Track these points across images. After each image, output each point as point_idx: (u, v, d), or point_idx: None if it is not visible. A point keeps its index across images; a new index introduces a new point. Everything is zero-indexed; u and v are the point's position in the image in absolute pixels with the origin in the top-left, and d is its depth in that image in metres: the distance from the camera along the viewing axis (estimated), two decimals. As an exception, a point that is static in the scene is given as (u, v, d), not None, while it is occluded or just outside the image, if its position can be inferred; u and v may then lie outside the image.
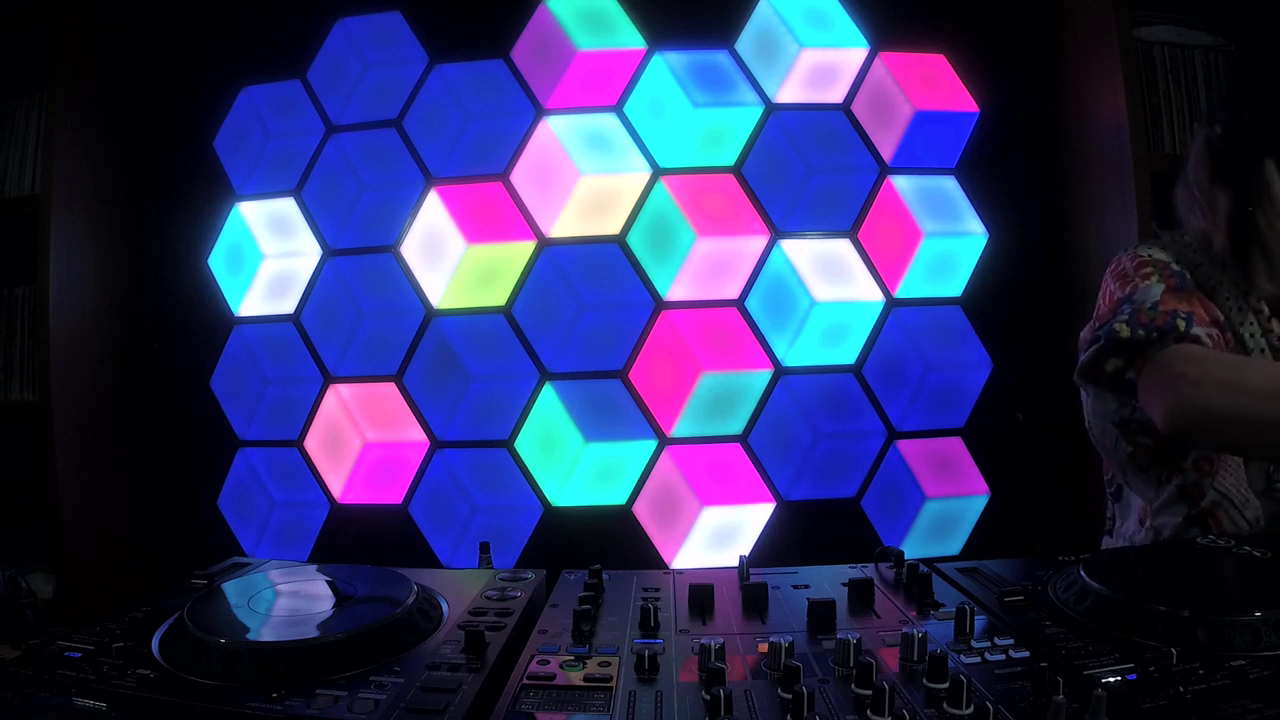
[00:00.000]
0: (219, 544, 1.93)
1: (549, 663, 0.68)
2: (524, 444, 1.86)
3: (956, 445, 1.89)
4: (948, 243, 1.89)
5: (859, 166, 1.89)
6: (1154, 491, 1.16)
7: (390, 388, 1.90)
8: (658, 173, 1.87)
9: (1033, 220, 1.92)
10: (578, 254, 1.86)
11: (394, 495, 1.89)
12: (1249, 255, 1.09)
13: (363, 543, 1.90)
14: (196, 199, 1.98)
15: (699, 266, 1.85)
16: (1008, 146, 1.92)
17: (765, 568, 0.91)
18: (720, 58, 1.91)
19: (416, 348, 1.89)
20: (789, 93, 1.90)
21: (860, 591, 0.82)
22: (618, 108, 1.89)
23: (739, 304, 1.85)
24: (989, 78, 1.92)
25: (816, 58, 1.91)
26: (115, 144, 1.92)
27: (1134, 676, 0.60)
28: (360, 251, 1.92)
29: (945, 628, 0.72)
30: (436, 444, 1.88)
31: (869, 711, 0.56)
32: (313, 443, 1.93)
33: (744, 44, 1.91)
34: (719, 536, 1.84)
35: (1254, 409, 0.93)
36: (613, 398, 1.85)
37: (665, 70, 1.90)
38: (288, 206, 1.95)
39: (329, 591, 0.84)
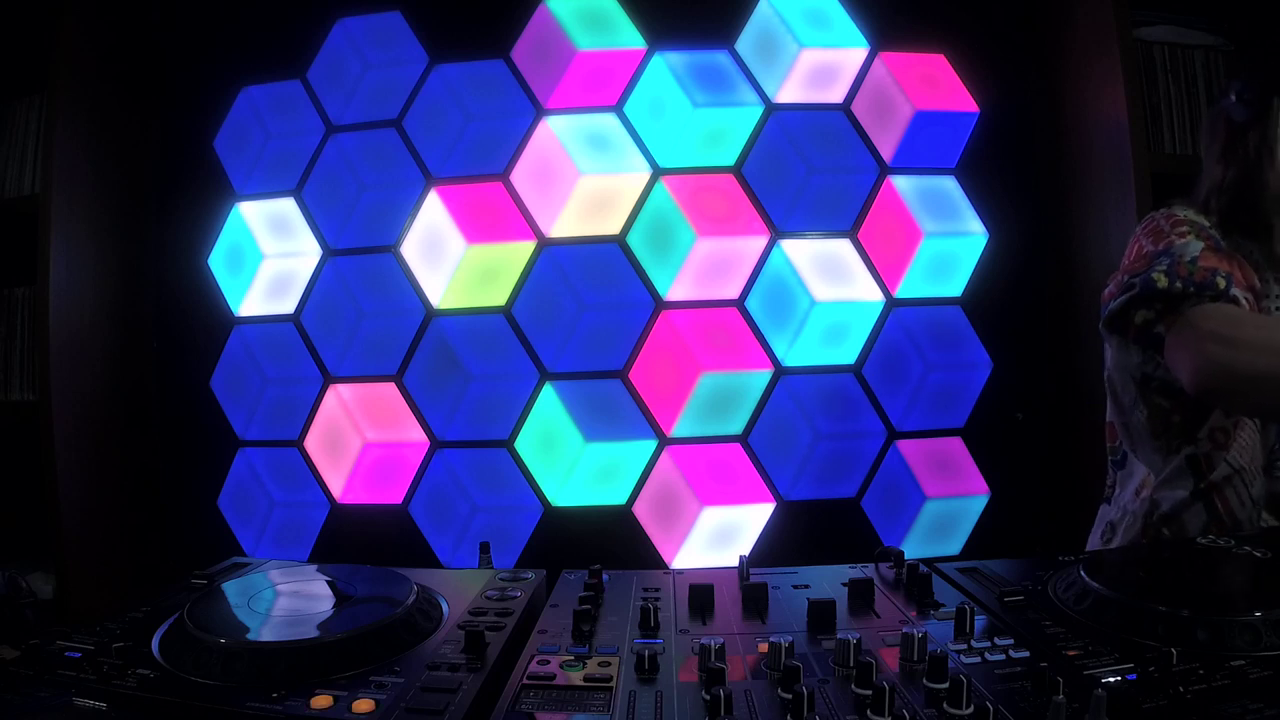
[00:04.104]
0: (219, 544, 1.93)
1: (549, 663, 0.68)
2: (524, 444, 1.86)
3: (956, 445, 1.89)
4: (948, 243, 1.89)
5: (859, 166, 1.89)
6: (1162, 460, 1.14)
7: (390, 388, 1.90)
8: (658, 173, 1.87)
9: (1033, 220, 1.92)
10: (578, 254, 1.86)
11: (394, 495, 1.89)
12: (1271, 226, 1.07)
13: (363, 543, 1.90)
14: (196, 199, 1.98)
15: (699, 266, 1.85)
16: (1008, 146, 1.92)
17: (765, 568, 0.91)
18: (720, 58, 1.91)
19: (416, 348, 1.89)
20: (789, 93, 1.90)
21: (860, 591, 0.82)
22: (618, 108, 1.89)
23: (739, 304, 1.85)
24: (989, 78, 1.92)
25: (816, 58, 1.91)
26: (115, 144, 1.92)
27: (1134, 676, 0.60)
28: (360, 251, 1.92)
29: (945, 628, 0.72)
30: (436, 444, 1.88)
31: (869, 711, 0.56)
32: (313, 443, 1.93)
33: (744, 44, 1.91)
34: (719, 536, 1.84)
35: None
36: (613, 398, 1.85)
37: (665, 70, 1.90)
38: (288, 206, 1.95)
39: (329, 591, 0.84)
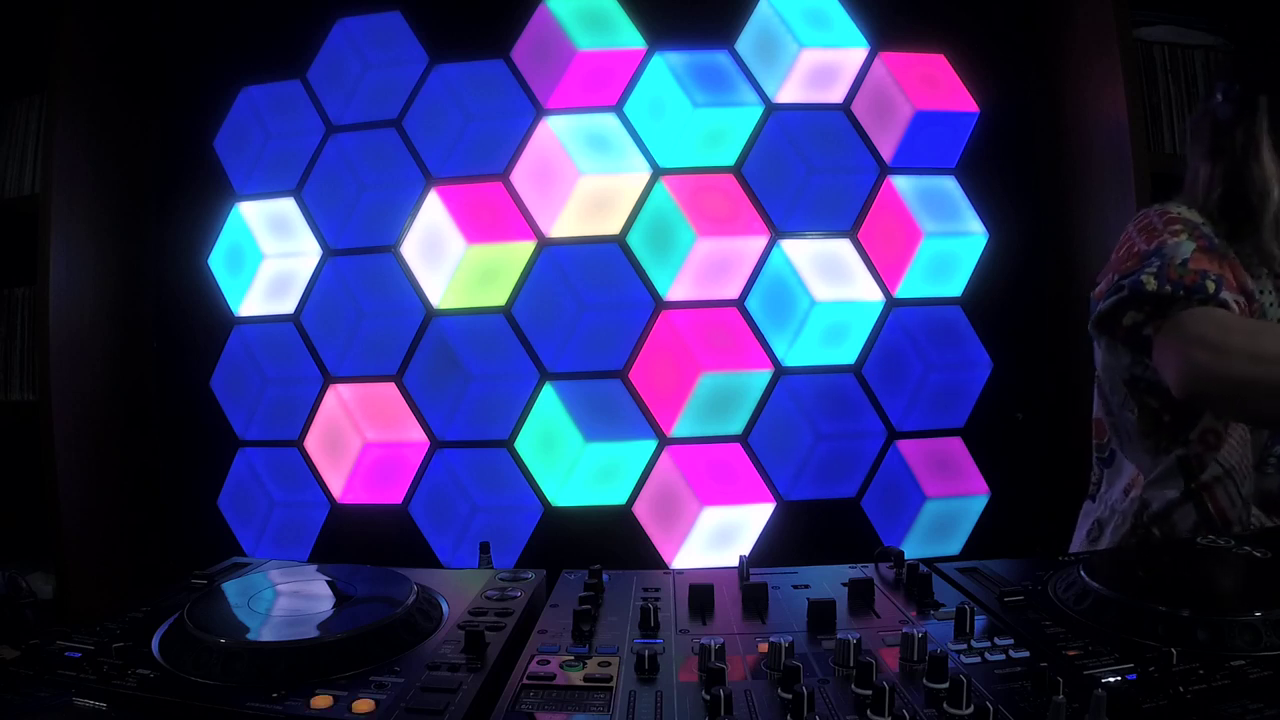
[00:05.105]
0: (219, 544, 1.93)
1: (549, 663, 0.68)
2: (524, 444, 1.86)
3: (956, 445, 1.89)
4: (948, 243, 1.89)
5: (859, 166, 1.89)
6: (1152, 460, 1.14)
7: (390, 388, 1.90)
8: (658, 173, 1.87)
9: (1033, 220, 1.92)
10: (578, 254, 1.86)
11: (394, 495, 1.89)
12: (1260, 221, 1.07)
13: (363, 543, 1.90)
14: (196, 199, 1.98)
15: (699, 266, 1.85)
16: (1008, 146, 1.92)
17: (765, 568, 0.90)
18: (720, 58, 1.91)
19: (416, 348, 1.89)
20: (789, 93, 1.90)
21: (860, 591, 0.81)
22: (618, 108, 1.89)
23: (739, 304, 1.85)
24: (989, 78, 1.92)
25: (816, 58, 1.91)
26: (115, 144, 1.92)
27: (1134, 676, 0.60)
28: (360, 251, 1.92)
29: (945, 628, 0.72)
30: (436, 444, 1.88)
31: (869, 711, 0.56)
32: (313, 443, 1.93)
33: (744, 44, 1.91)
34: (719, 536, 1.84)
35: (1269, 376, 0.91)
36: (613, 398, 1.85)
37: (665, 70, 1.90)
38: (288, 206, 1.95)
39: (329, 591, 0.84)
